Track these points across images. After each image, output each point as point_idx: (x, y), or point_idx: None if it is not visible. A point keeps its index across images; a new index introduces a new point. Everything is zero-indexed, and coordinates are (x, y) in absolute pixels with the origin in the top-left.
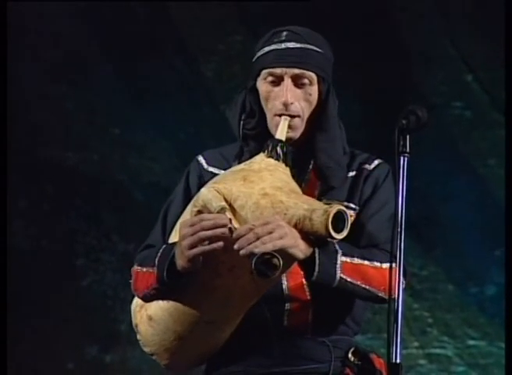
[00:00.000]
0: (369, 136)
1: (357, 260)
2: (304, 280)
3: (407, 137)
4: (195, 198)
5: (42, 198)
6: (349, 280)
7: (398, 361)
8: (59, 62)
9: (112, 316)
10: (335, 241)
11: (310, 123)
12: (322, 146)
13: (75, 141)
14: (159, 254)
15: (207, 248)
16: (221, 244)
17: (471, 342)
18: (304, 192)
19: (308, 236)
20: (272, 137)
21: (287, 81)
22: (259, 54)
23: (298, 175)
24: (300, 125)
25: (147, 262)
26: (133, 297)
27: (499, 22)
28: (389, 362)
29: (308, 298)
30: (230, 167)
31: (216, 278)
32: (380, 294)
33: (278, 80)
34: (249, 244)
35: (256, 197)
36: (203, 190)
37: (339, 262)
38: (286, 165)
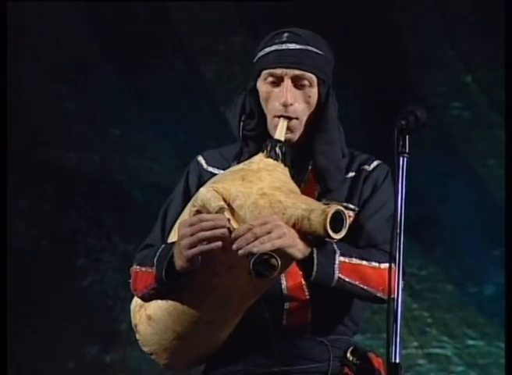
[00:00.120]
0: (368, 136)
1: (355, 260)
2: (302, 279)
3: (407, 137)
4: (194, 198)
5: (42, 199)
6: (347, 280)
7: (397, 361)
8: (59, 62)
9: (112, 315)
10: (333, 241)
11: (309, 125)
12: (321, 148)
13: (75, 142)
14: (158, 254)
15: (205, 247)
16: (219, 244)
17: (470, 342)
18: (304, 192)
19: (306, 236)
20: (271, 137)
21: (287, 82)
22: (260, 54)
23: (297, 175)
24: (299, 127)
25: (146, 261)
26: (133, 297)
27: (498, 23)
28: (388, 361)
29: (307, 297)
30: (230, 167)
31: (215, 278)
32: (378, 295)
33: (278, 81)
34: (247, 244)
35: (254, 197)
36: (202, 190)
37: (337, 262)
38: (285, 165)
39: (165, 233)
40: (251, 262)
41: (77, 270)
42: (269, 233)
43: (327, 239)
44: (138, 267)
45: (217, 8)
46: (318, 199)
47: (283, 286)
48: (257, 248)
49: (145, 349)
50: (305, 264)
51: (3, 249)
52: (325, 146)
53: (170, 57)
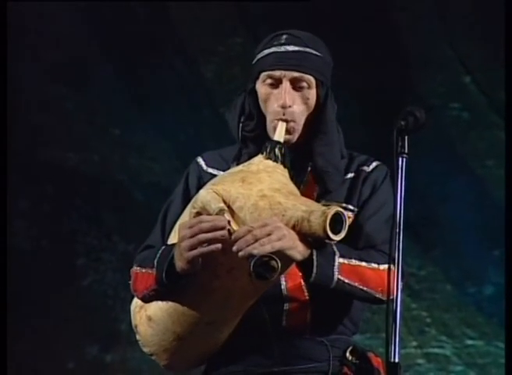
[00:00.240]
0: (368, 137)
1: (354, 261)
2: (302, 280)
3: (406, 137)
4: (194, 200)
5: (42, 199)
6: (346, 281)
7: (396, 360)
8: (59, 62)
9: (112, 315)
10: (333, 242)
11: (308, 126)
12: (320, 150)
13: (75, 142)
14: (158, 255)
15: (206, 249)
16: (220, 246)
17: (469, 342)
18: (303, 194)
19: (306, 237)
20: (270, 139)
21: (286, 84)
22: (259, 56)
23: (297, 177)
24: (298, 129)
25: (147, 263)
26: (133, 297)
27: (497, 23)
28: (387, 361)
29: (307, 298)
30: (229, 169)
31: (215, 280)
32: (377, 296)
33: (276, 83)
34: (247, 246)
35: (254, 198)
36: (202, 191)
37: (336, 263)
38: (285, 166)
39: (165, 234)
40: (251, 264)
41: (77, 270)
42: (269, 235)
43: (326, 240)
44: (138, 268)
45: (217, 8)
46: (318, 200)
47: (283, 287)
48: (257, 249)
49: (145, 350)
50: (305, 265)
51: (3, 249)
52: (324, 147)
53: (170, 57)
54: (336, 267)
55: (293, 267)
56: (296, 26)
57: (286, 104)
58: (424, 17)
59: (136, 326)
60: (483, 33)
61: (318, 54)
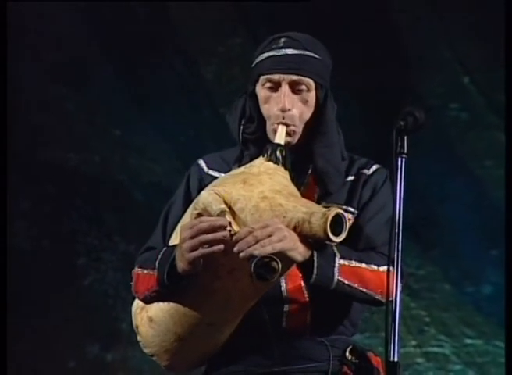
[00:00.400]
0: (367, 137)
1: (354, 263)
2: (302, 282)
3: (405, 138)
4: (195, 201)
5: (43, 199)
6: (346, 282)
7: (396, 359)
8: (59, 62)
9: (113, 314)
10: (333, 243)
11: (308, 128)
12: (320, 151)
13: (75, 142)
14: (160, 256)
15: (207, 250)
16: (221, 247)
17: (468, 341)
18: (304, 195)
19: (307, 239)
20: (271, 141)
21: (285, 87)
22: (257, 60)
23: (297, 178)
24: (298, 131)
25: (148, 264)
26: (134, 297)
27: (496, 24)
28: (386, 360)
29: (307, 300)
30: (230, 171)
31: (216, 281)
32: (377, 297)
33: (276, 87)
34: (248, 247)
35: (255, 200)
36: (203, 193)
37: (336, 264)
38: (285, 168)
39: (166, 236)
40: (252, 265)
41: (78, 270)
42: (270, 236)
43: (327, 242)
44: (140, 269)
45: (217, 8)
46: (318, 202)
47: (283, 288)
48: (258, 250)
49: (146, 351)
50: (305, 267)
51: (3, 249)
52: (324, 149)
53: (170, 57)
54: (336, 268)
55: (293, 269)
56: (296, 26)
57: (286, 107)
58: (423, 18)
59: (137, 327)
60: (482, 33)
61: (317, 56)
